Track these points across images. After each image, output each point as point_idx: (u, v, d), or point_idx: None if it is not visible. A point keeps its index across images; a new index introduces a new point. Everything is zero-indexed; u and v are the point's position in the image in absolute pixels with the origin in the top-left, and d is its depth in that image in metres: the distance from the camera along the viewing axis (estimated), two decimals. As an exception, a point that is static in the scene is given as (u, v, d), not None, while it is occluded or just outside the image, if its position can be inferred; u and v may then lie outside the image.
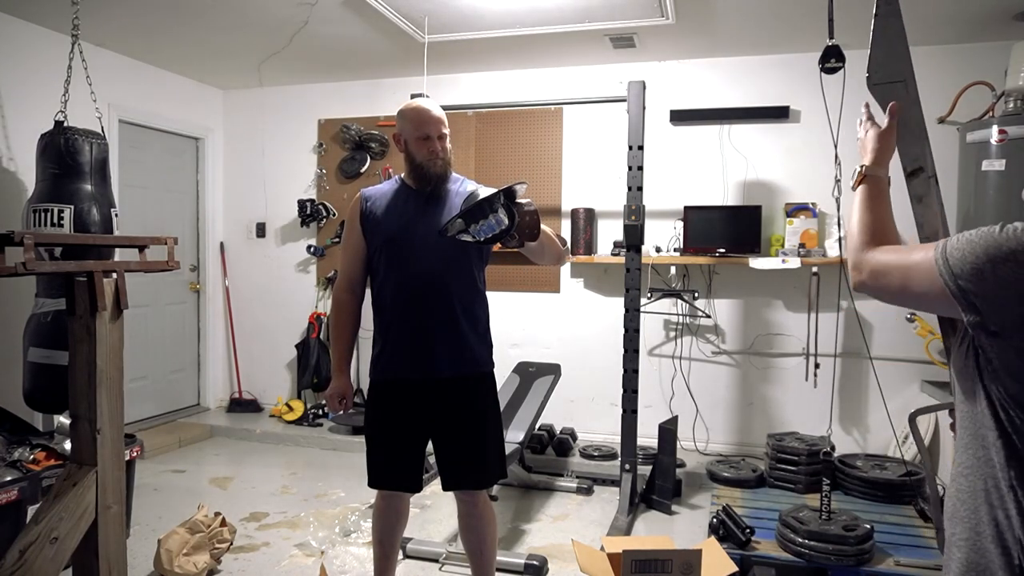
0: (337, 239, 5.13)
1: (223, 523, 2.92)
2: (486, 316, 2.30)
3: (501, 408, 3.63)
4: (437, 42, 4.06)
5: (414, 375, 2.19)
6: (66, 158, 2.93)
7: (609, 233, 4.56)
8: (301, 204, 5.19)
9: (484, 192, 1.99)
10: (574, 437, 4.46)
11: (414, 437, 2.25)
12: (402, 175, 2.30)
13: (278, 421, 5.08)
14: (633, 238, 3.57)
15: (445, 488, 2.28)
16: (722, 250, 4.14)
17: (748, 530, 2.70)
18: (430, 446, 2.28)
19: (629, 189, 3.55)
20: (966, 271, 0.99)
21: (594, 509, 3.66)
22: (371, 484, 2.28)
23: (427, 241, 2.17)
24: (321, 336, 5.17)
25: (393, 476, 2.27)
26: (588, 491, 3.88)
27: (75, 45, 3.03)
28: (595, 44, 4.17)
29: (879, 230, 1.26)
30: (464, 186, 2.28)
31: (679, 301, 4.43)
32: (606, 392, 4.59)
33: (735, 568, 2.17)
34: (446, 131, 2.22)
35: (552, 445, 4.29)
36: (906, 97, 1.82)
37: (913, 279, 1.10)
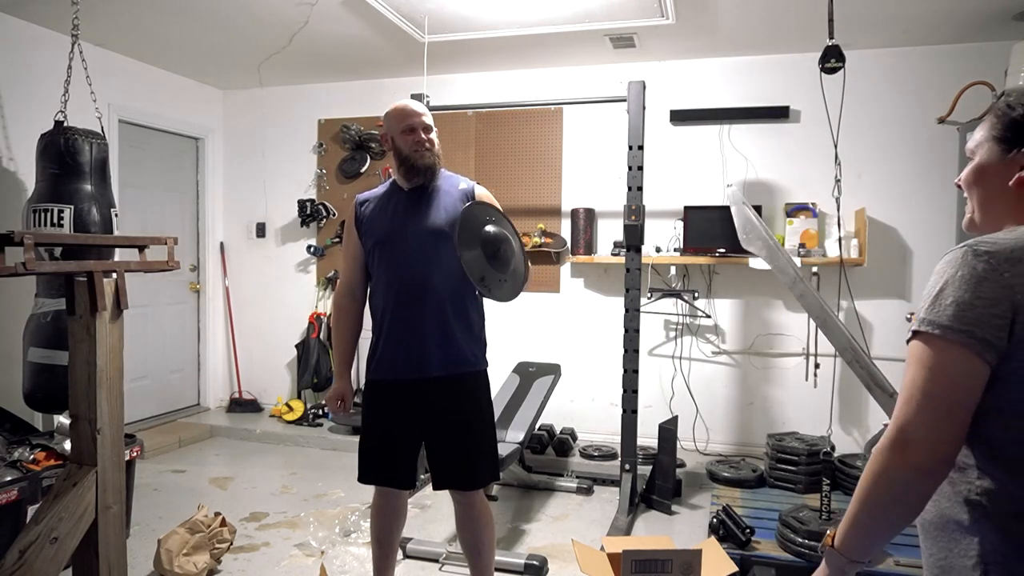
0: (337, 239, 5.13)
1: (223, 523, 2.92)
2: (480, 315, 2.30)
3: (501, 408, 3.65)
4: (437, 42, 4.06)
5: (406, 375, 2.20)
6: (66, 158, 2.93)
7: (609, 233, 4.56)
8: (301, 204, 5.19)
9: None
10: (574, 437, 4.46)
11: (406, 435, 2.25)
12: (395, 177, 2.31)
13: (278, 421, 5.08)
14: (633, 238, 3.56)
15: (435, 487, 2.28)
16: (722, 250, 4.14)
17: (748, 530, 2.70)
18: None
19: (629, 189, 3.55)
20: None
21: (594, 509, 3.66)
22: (360, 479, 2.29)
23: (417, 241, 2.18)
24: (321, 336, 5.17)
25: (382, 472, 2.27)
26: (588, 491, 3.88)
27: (75, 45, 3.03)
28: (595, 44, 4.16)
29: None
30: (456, 184, 2.28)
31: (679, 301, 4.43)
32: (606, 392, 4.59)
33: (735, 568, 2.16)
34: (430, 123, 2.25)
35: (552, 445, 4.29)
36: (767, 237, 2.95)
37: (943, 386, 0.96)
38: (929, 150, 4.05)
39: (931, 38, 3.96)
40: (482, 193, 2.32)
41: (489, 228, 2.15)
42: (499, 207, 2.31)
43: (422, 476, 3.19)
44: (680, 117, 4.45)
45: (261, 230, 5.43)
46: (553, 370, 4.04)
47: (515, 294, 2.20)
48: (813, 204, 4.17)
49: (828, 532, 1.10)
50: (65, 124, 2.99)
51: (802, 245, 4.08)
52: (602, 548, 2.25)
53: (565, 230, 4.66)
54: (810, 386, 4.13)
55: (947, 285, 0.97)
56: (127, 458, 2.86)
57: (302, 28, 3.97)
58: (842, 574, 1.07)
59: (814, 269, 4.05)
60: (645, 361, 4.40)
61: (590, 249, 4.51)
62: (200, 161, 5.38)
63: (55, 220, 2.87)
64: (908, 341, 1.01)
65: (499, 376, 3.55)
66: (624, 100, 3.54)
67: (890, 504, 0.98)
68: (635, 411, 3.60)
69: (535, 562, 2.85)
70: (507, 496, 3.82)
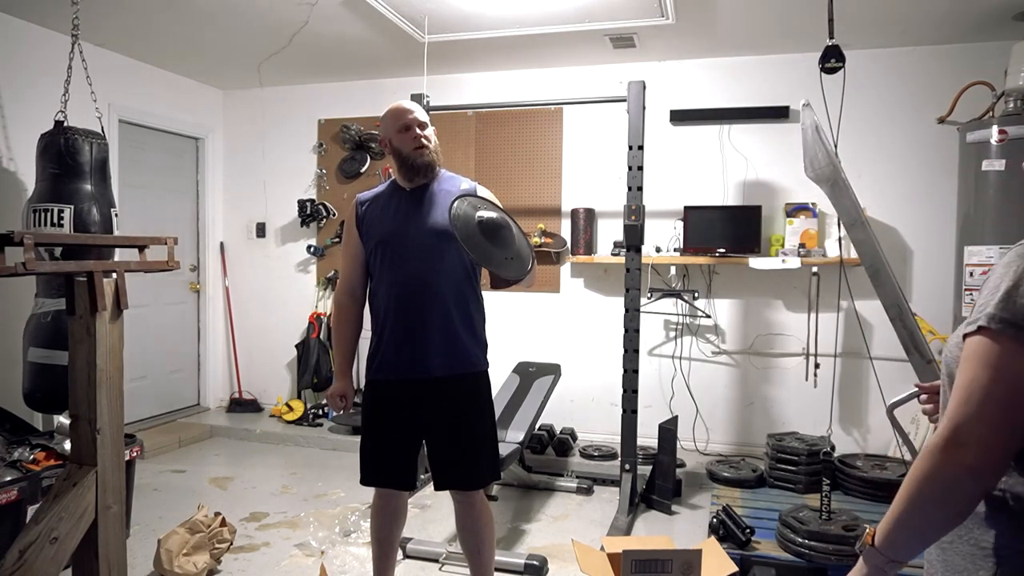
0: (337, 239, 5.13)
1: (223, 523, 2.92)
2: (481, 315, 2.30)
3: (501, 408, 3.65)
4: (437, 42, 4.06)
5: (407, 374, 2.20)
6: (66, 158, 2.93)
7: (609, 233, 4.56)
8: (301, 204, 5.19)
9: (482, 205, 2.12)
10: (574, 437, 4.46)
11: (406, 436, 2.25)
12: (396, 178, 2.31)
13: (278, 421, 5.07)
14: (633, 238, 3.56)
15: (437, 488, 2.28)
16: (722, 250, 4.14)
17: (748, 530, 2.70)
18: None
19: (629, 189, 3.55)
20: None
21: (594, 509, 3.66)
22: (363, 481, 2.29)
23: (419, 241, 2.18)
24: (321, 336, 5.17)
25: (384, 474, 2.27)
26: (588, 491, 3.88)
27: (75, 45, 3.03)
28: (595, 44, 4.16)
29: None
30: (457, 184, 2.28)
31: (679, 301, 4.43)
32: (606, 392, 4.59)
33: (735, 568, 2.16)
34: (425, 119, 2.25)
35: (552, 445, 4.29)
36: (836, 171, 2.76)
37: (1008, 388, 0.89)
38: (929, 150, 4.05)
39: (931, 38, 3.96)
40: (484, 193, 2.31)
41: (482, 213, 2.12)
42: (499, 204, 2.31)
43: (422, 476, 3.19)
44: (680, 117, 4.45)
45: (261, 230, 5.43)
46: (553, 370, 4.04)
47: (523, 271, 2.14)
48: (813, 204, 4.17)
49: (868, 530, 1.04)
50: (65, 124, 2.99)
51: (802, 245, 4.08)
52: (602, 548, 2.25)
53: (565, 230, 4.66)
54: (810, 386, 4.13)
55: (1021, 281, 0.89)
56: (127, 458, 2.86)
57: (302, 28, 3.97)
58: (881, 574, 1.02)
59: (814, 269, 4.04)
60: (645, 361, 4.40)
61: (590, 249, 4.51)
62: (200, 161, 5.38)
63: (55, 220, 2.88)
64: (966, 336, 0.95)
65: (499, 376, 3.54)
66: (624, 100, 3.54)
67: (938, 505, 0.93)
68: (635, 411, 3.60)
69: (535, 562, 2.85)
70: (507, 496, 3.82)
